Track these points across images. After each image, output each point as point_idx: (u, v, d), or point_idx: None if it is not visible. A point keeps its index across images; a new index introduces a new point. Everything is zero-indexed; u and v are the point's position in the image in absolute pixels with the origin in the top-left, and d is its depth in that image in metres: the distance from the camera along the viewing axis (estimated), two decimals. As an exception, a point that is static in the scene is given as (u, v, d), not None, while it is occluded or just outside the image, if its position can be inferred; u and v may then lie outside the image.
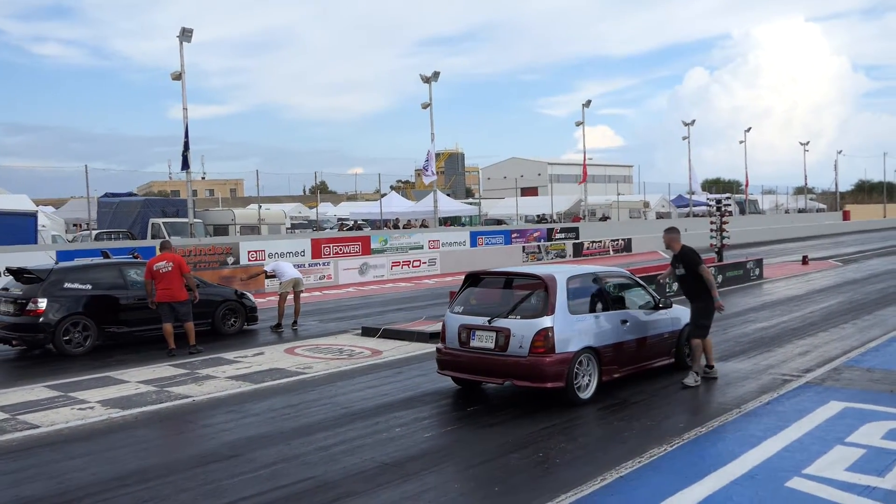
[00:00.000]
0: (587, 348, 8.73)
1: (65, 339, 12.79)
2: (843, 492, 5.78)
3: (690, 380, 9.41)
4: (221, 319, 14.85)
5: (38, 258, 21.77)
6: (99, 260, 14.73)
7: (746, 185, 62.67)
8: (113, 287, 13.53)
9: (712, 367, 9.92)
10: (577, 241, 37.85)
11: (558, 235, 39.08)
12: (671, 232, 10.08)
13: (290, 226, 41.25)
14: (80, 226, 37.33)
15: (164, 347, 12.62)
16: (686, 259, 9.75)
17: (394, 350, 12.53)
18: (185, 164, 26.26)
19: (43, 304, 12.67)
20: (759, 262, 24.05)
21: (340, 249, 29.86)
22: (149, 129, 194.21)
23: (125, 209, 34.60)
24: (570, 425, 7.92)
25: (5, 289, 13.64)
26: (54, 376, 11.16)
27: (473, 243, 35.47)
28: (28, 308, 12.67)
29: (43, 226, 28.39)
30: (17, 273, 13.55)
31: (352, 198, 68.96)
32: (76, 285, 13.16)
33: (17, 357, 13.12)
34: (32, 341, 12.95)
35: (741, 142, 59.63)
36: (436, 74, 34.99)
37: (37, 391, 10.06)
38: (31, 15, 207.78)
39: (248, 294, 16.29)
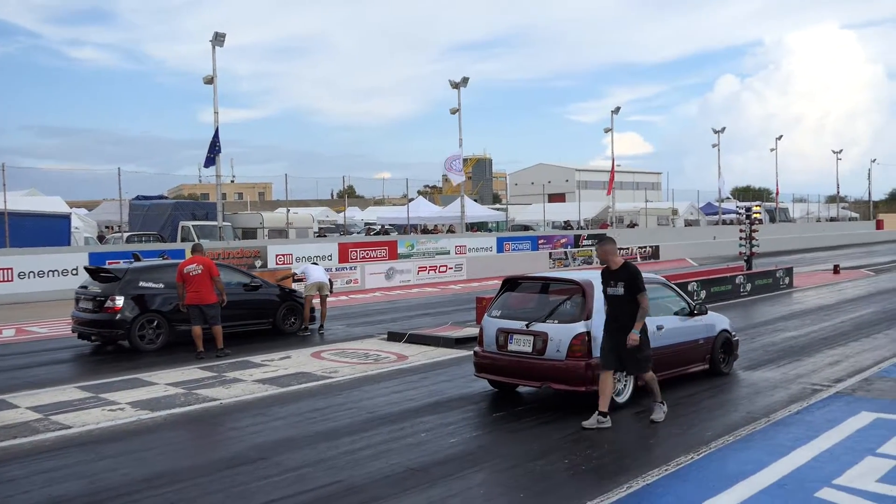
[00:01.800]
0: None
1: (139, 335, 13.34)
2: (873, 502, 5.71)
3: (659, 414, 8.27)
4: (282, 319, 15.33)
5: (69, 260, 22.28)
6: (172, 261, 15.17)
7: (777, 193, 62.11)
8: None
9: (607, 414, 8.13)
10: (604, 248, 37.54)
11: (585, 242, 38.94)
12: (606, 244, 8.43)
13: (317, 230, 41.48)
14: (112, 228, 37.84)
15: (193, 350, 12.76)
16: (629, 279, 8.15)
17: (420, 355, 12.55)
18: (211, 162, 26.54)
19: (120, 301, 13.31)
20: (788, 271, 23.79)
21: (367, 254, 30.04)
22: (180, 132, 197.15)
23: (156, 212, 35.05)
24: (596, 432, 7.87)
25: (84, 287, 14.31)
26: (86, 377, 11.34)
27: (500, 249, 35.45)
28: (106, 305, 13.31)
29: (76, 228, 28.82)
30: (95, 272, 14.34)
31: (379, 202, 69.27)
32: (150, 284, 13.74)
33: (67, 356, 13.36)
34: (110, 337, 13.60)
35: (772, 150, 59.05)
36: (465, 80, 35.05)
37: (69, 392, 10.22)
38: (68, 19, 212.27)
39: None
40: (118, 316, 13.25)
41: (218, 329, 12.89)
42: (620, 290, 8.12)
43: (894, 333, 14.09)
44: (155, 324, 13.52)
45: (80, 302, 14.03)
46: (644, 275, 10.46)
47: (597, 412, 8.00)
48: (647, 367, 8.18)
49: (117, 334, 13.40)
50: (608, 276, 8.28)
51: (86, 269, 15.36)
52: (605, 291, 8.33)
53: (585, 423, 7.95)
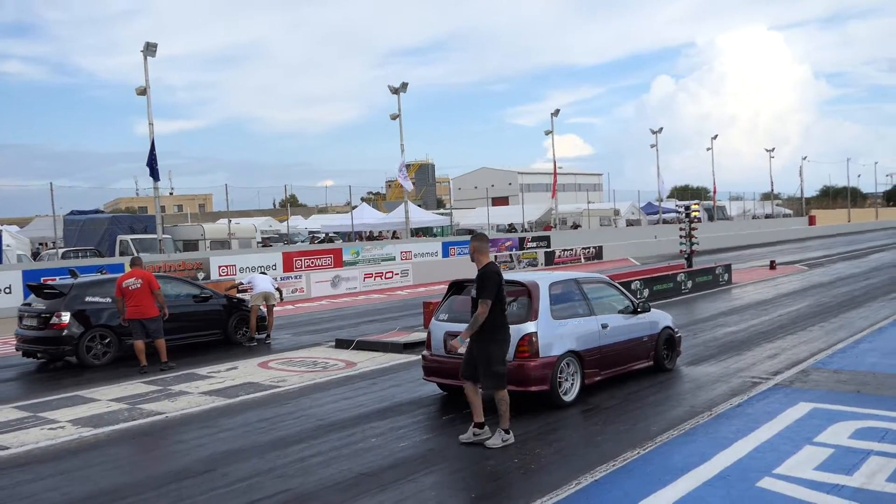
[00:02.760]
0: (570, 352, 8.92)
1: (87, 350, 13.16)
2: (812, 490, 5.89)
3: (497, 440, 7.43)
4: (234, 329, 15.25)
5: (2, 278, 21.57)
6: (112, 276, 14.78)
7: (714, 192, 63.75)
8: None
9: (483, 424, 7.63)
10: (548, 250, 38.14)
11: (530, 244, 39.39)
12: (479, 240, 7.77)
13: (260, 240, 41.01)
14: (46, 244, 36.78)
15: (136, 364, 12.48)
16: (479, 282, 7.49)
17: (368, 361, 12.51)
18: (154, 174, 26.09)
19: (66, 317, 13.08)
20: (727, 268, 24.43)
21: (312, 262, 29.79)
22: (114, 145, 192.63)
23: (92, 226, 34.15)
24: (544, 431, 7.97)
25: (27, 304, 14.07)
26: (24, 397, 11.00)
27: (446, 254, 35.59)
28: (52, 322, 13.05)
29: (8, 245, 27.94)
30: (38, 288, 14.08)
31: (322, 210, 68.77)
32: (97, 299, 13.51)
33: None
34: (57, 353, 13.31)
35: (708, 149, 60.58)
36: (404, 85, 35.12)
37: (6, 412, 9.89)
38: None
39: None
40: (65, 332, 13.03)
41: (161, 342, 12.64)
42: (474, 293, 7.58)
43: (829, 326, 14.57)
44: (103, 339, 13.32)
45: (23, 319, 13.71)
46: (588, 274, 10.60)
47: (472, 424, 7.63)
48: (501, 385, 7.47)
49: (64, 350, 13.16)
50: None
51: (28, 285, 15.03)
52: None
53: (462, 437, 7.60)
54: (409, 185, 37.02)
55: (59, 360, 13.47)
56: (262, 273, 17.18)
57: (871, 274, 25.76)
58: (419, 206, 55.11)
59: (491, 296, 7.34)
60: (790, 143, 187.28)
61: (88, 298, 13.45)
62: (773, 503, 5.71)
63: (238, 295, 15.88)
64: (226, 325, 15.15)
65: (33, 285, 14.53)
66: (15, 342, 13.91)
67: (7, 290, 21.39)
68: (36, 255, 32.28)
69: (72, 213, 35.89)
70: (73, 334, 13.03)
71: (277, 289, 16.01)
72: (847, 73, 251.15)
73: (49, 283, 14.56)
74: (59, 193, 26.47)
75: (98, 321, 13.34)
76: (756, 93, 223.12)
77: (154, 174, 26.11)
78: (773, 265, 28.85)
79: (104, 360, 13.26)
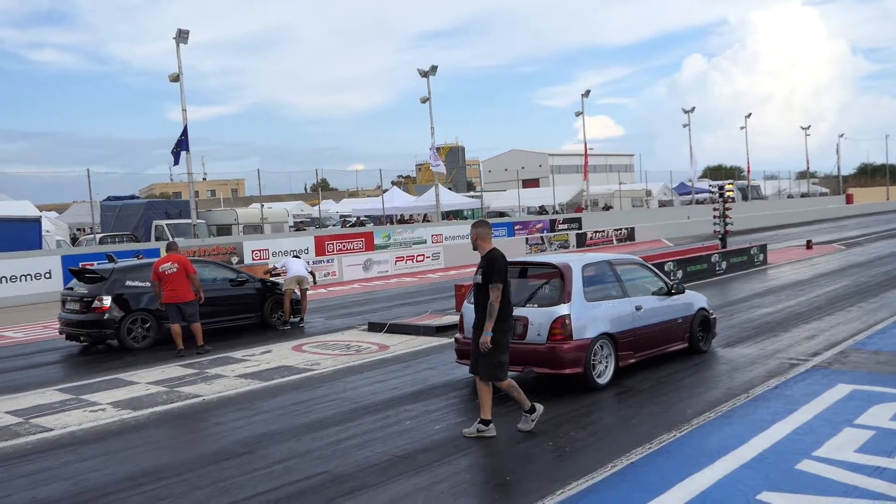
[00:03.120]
0: (604, 335, 8.90)
1: (128, 333, 13.44)
2: (853, 473, 5.81)
3: (527, 424, 7.38)
4: (269, 312, 15.45)
5: (42, 263, 22.02)
6: (148, 260, 15.11)
7: (748, 171, 62.95)
8: None
9: (489, 421, 7.35)
10: (580, 232, 37.94)
11: (561, 226, 39.17)
12: (480, 227, 7.54)
13: (292, 224, 41.33)
14: (84, 230, 37.42)
15: (172, 348, 12.67)
16: (486, 268, 7.26)
17: (401, 344, 12.58)
18: (177, 158, 26.43)
19: (108, 301, 13.37)
20: (762, 248, 24.12)
21: (344, 246, 29.97)
22: (149, 131, 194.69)
23: (128, 212, 34.75)
24: (579, 413, 7.97)
25: (69, 288, 14.34)
26: (65, 380, 11.24)
27: (477, 236, 35.47)
28: (94, 306, 13.32)
29: (47, 231, 28.49)
30: (80, 273, 14.36)
31: (353, 194, 69.03)
32: (136, 283, 13.75)
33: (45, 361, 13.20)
34: (99, 337, 13.58)
35: (742, 128, 59.90)
36: (433, 69, 35.05)
37: (49, 394, 10.12)
38: (26, 22, 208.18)
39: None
40: (106, 315, 13.29)
41: (197, 326, 12.81)
42: (479, 278, 7.31)
43: (867, 306, 14.34)
44: (143, 322, 13.60)
45: (66, 304, 14.03)
46: (621, 255, 10.48)
47: (478, 419, 7.38)
48: (501, 376, 7.23)
49: (106, 334, 13.41)
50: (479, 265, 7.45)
51: (70, 270, 15.31)
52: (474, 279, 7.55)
53: (465, 431, 7.38)
54: (441, 168, 37.04)
55: (100, 343, 13.73)
56: (295, 257, 17.32)
57: (912, 253, 25.28)
58: (449, 188, 55.11)
59: (501, 279, 7.10)
60: (826, 120, 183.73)
61: (128, 283, 13.72)
62: (812, 485, 5.64)
63: (272, 279, 16.05)
64: (262, 309, 15.35)
65: (75, 270, 14.86)
66: (58, 325, 14.21)
67: (47, 275, 21.81)
68: (74, 241, 32.87)
69: (108, 198, 36.52)
70: (114, 318, 13.31)
71: (310, 272, 16.13)
72: (885, 48, 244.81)
73: (90, 267, 14.88)
74: (95, 180, 26.95)
75: (138, 305, 13.61)
76: (791, 70, 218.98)
77: (176, 157, 26.40)
78: (809, 245, 28.43)
79: (144, 343, 13.51)
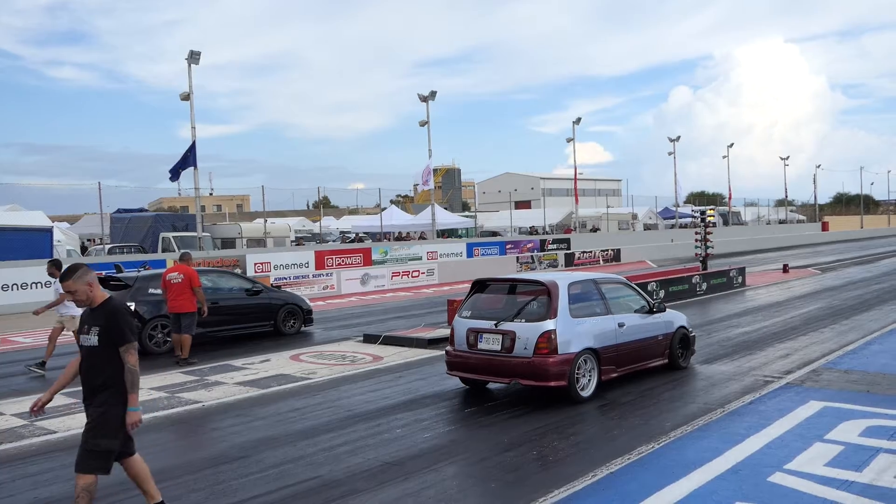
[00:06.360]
0: (587, 349, 9.18)
1: (149, 339, 13.97)
2: (822, 486, 6.04)
3: None
4: (283, 321, 15.98)
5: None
6: (155, 271, 15.52)
7: (730, 198, 65.27)
8: None
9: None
10: (568, 252, 38.65)
11: (551, 246, 39.92)
12: (73, 275, 5.47)
13: (294, 238, 41.71)
14: (94, 240, 37.80)
15: (173, 355, 12.95)
16: (108, 322, 5.43)
17: (394, 356, 12.86)
18: (176, 175, 26.96)
19: (132, 307, 13.61)
20: (741, 271, 24.66)
21: (343, 261, 30.36)
22: (160, 147, 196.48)
23: (137, 224, 35.19)
24: (562, 425, 8.23)
25: None
26: (69, 384, 11.45)
27: (470, 254, 36.24)
28: None
29: (58, 241, 28.83)
30: (105, 281, 14.69)
31: (353, 212, 69.33)
32: (158, 291, 14.05)
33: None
34: None
35: (724, 157, 62.83)
36: (433, 94, 35.91)
37: (56, 398, 10.00)
38: (47, 40, 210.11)
39: (305, 298, 17.60)
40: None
41: (187, 338, 12.92)
42: (93, 340, 5.51)
43: (840, 328, 14.69)
44: (163, 328, 14.06)
45: None
46: (606, 275, 10.80)
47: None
48: (101, 468, 5.61)
49: None
50: (86, 317, 5.61)
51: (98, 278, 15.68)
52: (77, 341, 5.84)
53: None
54: (429, 185, 37.99)
55: None
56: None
57: (883, 278, 25.75)
58: (445, 208, 55.80)
59: (134, 339, 5.54)
60: (805, 151, 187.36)
61: (151, 290, 14.19)
62: (784, 497, 5.85)
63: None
64: (276, 318, 15.90)
65: (101, 277, 15.14)
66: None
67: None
68: (84, 251, 33.19)
69: (118, 211, 37.00)
70: (137, 324, 13.55)
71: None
72: (862, 85, 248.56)
73: (115, 275, 15.34)
74: (106, 192, 27.48)
75: (158, 312, 14.01)
76: (772, 103, 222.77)
77: (175, 175, 26.94)
78: (786, 269, 29.04)
79: (164, 348, 13.93)
